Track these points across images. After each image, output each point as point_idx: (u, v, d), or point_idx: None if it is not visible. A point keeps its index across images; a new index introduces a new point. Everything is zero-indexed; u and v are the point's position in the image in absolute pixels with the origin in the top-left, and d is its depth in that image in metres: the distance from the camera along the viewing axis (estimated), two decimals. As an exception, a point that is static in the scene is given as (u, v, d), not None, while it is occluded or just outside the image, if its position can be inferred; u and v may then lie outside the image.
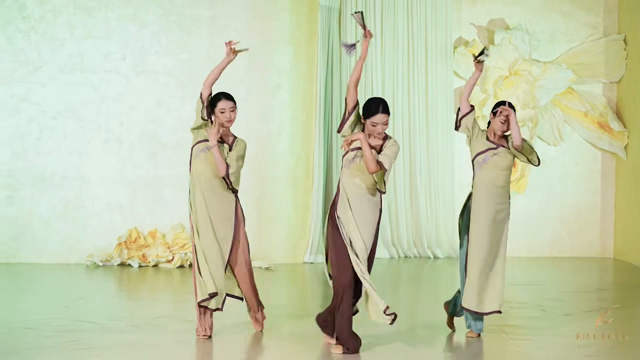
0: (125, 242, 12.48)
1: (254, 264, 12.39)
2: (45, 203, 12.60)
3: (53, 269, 12.01)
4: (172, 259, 12.40)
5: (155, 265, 12.41)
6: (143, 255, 12.45)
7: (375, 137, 6.97)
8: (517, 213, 13.84)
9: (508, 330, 7.96)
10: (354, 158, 6.97)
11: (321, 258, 13.19)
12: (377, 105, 6.92)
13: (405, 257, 14.06)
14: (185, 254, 12.39)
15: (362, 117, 6.97)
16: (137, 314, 8.64)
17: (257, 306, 7.76)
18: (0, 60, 12.53)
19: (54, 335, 7.31)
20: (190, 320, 8.10)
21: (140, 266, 12.38)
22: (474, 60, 7.62)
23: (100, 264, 12.34)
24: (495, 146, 7.64)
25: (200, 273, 7.33)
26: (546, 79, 14.11)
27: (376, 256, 13.70)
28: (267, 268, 12.38)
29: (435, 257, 14.01)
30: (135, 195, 12.71)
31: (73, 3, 12.62)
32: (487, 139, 7.69)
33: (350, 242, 6.89)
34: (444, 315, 8.09)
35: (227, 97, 7.59)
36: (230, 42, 7.60)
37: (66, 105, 12.67)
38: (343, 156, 7.09)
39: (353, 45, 7.18)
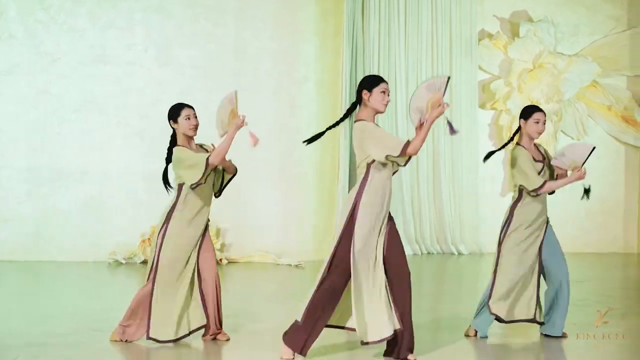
0: (149, 239, 12.13)
1: (282, 260, 12.23)
2: (65, 199, 12.25)
3: (74, 267, 11.66)
4: (199, 257, 12.09)
5: (180, 263, 12.05)
6: (167, 253, 12.10)
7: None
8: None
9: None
10: None
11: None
12: (377, 76, 6.36)
13: (429, 253, 13.84)
14: (213, 251, 12.08)
15: (365, 92, 6.23)
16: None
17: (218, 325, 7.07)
18: (19, 51, 12.15)
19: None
20: (259, 321, 7.93)
21: (165, 264, 12.03)
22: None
23: (123, 261, 12.00)
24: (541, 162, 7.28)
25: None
26: (571, 72, 13.93)
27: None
28: (297, 265, 12.09)
29: (460, 254, 13.79)
30: (158, 190, 12.22)
31: (94, -7, 12.30)
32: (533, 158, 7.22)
33: None
34: (469, 314, 7.67)
35: (188, 105, 7.25)
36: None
37: (87, 98, 12.31)
38: None
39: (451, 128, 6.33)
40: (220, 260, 12.18)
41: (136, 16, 12.37)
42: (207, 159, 6.86)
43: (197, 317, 6.91)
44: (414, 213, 13.84)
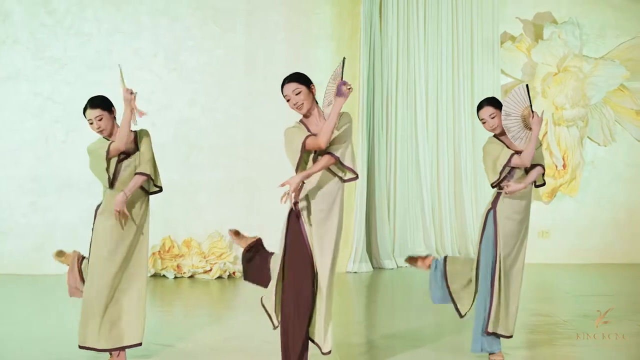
0: (159, 251, 11.68)
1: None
2: (71, 210, 11.81)
3: (81, 281, 11.18)
4: (210, 270, 11.62)
5: (191, 277, 11.60)
6: (178, 266, 11.66)
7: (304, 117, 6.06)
8: (566, 217, 13.23)
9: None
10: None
11: (365, 267, 12.45)
12: (283, 79, 6.15)
13: (450, 264, 13.27)
14: (224, 264, 11.62)
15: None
16: (204, 334, 7.86)
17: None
18: (23, 57, 11.76)
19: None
20: (265, 340, 7.43)
21: (175, 277, 11.59)
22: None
23: (133, 275, 11.53)
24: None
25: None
26: (597, 75, 13.38)
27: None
28: (313, 279, 11.57)
29: (482, 265, 13.23)
30: (168, 201, 11.73)
31: (100, -5, 11.89)
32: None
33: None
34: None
35: (93, 104, 6.49)
36: None
37: (94, 105, 11.85)
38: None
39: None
40: (234, 273, 11.73)
41: (143, 19, 11.96)
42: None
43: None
44: (435, 223, 13.32)
